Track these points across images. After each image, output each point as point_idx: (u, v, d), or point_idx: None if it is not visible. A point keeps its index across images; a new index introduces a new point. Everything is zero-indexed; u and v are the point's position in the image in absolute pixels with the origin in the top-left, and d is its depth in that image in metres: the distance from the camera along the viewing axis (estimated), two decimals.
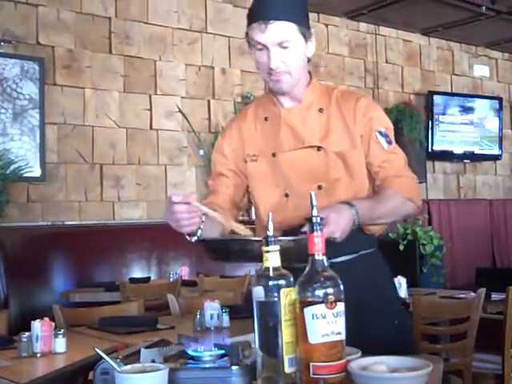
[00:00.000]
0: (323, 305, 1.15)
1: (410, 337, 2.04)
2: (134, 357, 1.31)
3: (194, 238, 1.66)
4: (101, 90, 5.31)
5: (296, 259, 1.29)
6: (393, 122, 2.00)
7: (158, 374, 1.15)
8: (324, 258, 1.21)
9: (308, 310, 1.15)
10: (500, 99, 7.82)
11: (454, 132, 7.33)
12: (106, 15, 5.38)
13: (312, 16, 6.59)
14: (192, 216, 1.59)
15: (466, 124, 7.41)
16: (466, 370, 3.01)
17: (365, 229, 1.83)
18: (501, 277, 5.79)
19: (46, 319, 2.24)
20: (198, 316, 2.63)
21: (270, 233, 1.24)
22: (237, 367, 1.24)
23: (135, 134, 5.47)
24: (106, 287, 4.34)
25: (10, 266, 4.56)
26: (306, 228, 1.50)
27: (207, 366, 1.28)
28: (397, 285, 3.19)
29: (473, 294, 3.32)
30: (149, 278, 4.85)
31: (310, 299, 1.16)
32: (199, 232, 1.64)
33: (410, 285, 3.93)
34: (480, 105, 7.58)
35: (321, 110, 1.88)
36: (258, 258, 1.28)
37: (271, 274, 1.22)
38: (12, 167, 4.73)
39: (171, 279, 4.60)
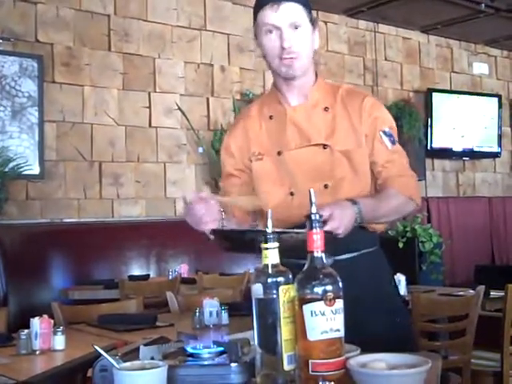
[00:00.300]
0: (322, 302, 1.15)
1: (411, 334, 2.04)
2: (133, 354, 1.31)
3: (206, 228, 1.68)
4: (100, 87, 5.31)
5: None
6: None
7: (156, 371, 1.15)
8: (323, 255, 1.21)
9: (307, 307, 1.15)
10: (499, 97, 7.82)
11: (453, 130, 7.33)
12: (105, 12, 5.38)
13: None
14: (212, 212, 1.61)
15: (465, 121, 7.40)
16: (464, 368, 3.02)
17: (368, 226, 1.84)
18: (500, 274, 5.80)
19: (45, 316, 2.24)
20: (197, 313, 2.63)
21: (269, 230, 1.24)
22: (236, 364, 1.24)
23: (134, 132, 5.47)
24: (105, 285, 4.34)
25: (8, 263, 4.56)
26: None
27: (206, 363, 1.28)
28: (396, 282, 3.19)
29: (472, 291, 3.32)
30: (148, 275, 4.85)
31: (308, 296, 1.16)
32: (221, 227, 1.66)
33: (409, 282, 3.93)
34: (479, 102, 7.58)
35: (326, 109, 1.88)
36: None
37: (270, 271, 1.22)
38: (11, 165, 4.73)
39: (170, 277, 4.61)
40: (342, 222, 1.60)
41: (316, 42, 1.87)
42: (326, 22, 6.63)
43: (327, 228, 1.56)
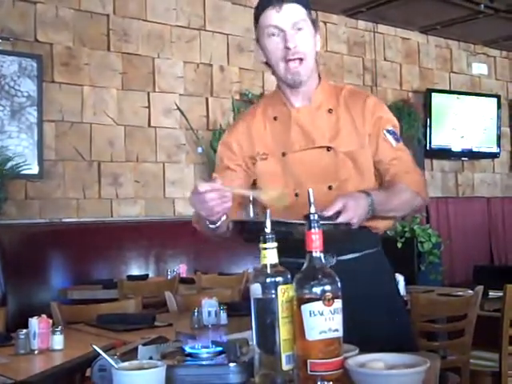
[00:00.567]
0: (321, 302, 1.15)
1: (411, 334, 2.05)
2: (131, 354, 1.31)
3: (217, 224, 1.68)
4: (99, 87, 5.31)
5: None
6: None
7: (155, 370, 1.15)
8: (322, 255, 1.21)
9: (305, 307, 1.15)
10: (498, 97, 7.82)
11: (452, 130, 7.33)
12: (104, 12, 5.38)
13: None
14: (224, 201, 1.59)
15: (464, 122, 7.41)
16: (463, 368, 3.02)
17: (372, 227, 1.85)
18: (498, 274, 5.81)
19: (44, 316, 2.24)
20: (195, 313, 2.63)
21: (268, 230, 1.24)
22: (234, 364, 1.25)
23: (133, 132, 5.47)
24: (103, 284, 4.34)
25: (7, 263, 4.56)
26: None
27: (205, 363, 1.29)
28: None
29: (470, 291, 3.32)
30: (147, 275, 4.85)
31: (307, 296, 1.16)
32: (223, 217, 1.66)
33: (407, 282, 3.93)
34: (478, 103, 7.58)
35: (330, 111, 1.89)
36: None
37: (269, 271, 1.22)
38: (10, 164, 4.73)
39: (169, 276, 4.61)
40: (356, 212, 1.62)
41: (318, 44, 1.87)
42: (325, 22, 6.63)
43: (341, 219, 1.59)
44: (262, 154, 1.91)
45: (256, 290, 1.21)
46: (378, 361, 1.18)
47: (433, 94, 7.20)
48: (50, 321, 2.26)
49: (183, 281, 4.37)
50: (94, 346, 1.24)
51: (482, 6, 6.40)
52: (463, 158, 7.64)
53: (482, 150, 7.62)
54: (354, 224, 1.62)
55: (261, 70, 6.10)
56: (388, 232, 5.93)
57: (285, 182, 1.87)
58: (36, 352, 2.15)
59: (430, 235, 6.10)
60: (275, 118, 1.93)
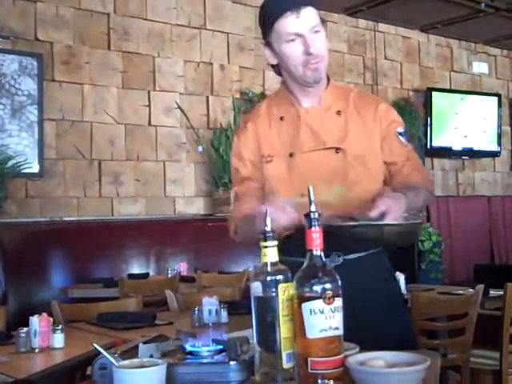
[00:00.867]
0: (321, 300, 1.15)
1: (412, 333, 2.04)
2: (132, 352, 1.31)
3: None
4: (99, 86, 5.31)
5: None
6: None
7: (155, 369, 1.15)
8: (322, 253, 1.21)
9: (306, 306, 1.15)
10: (499, 96, 7.82)
11: (453, 129, 7.33)
12: (104, 11, 5.37)
13: None
14: (289, 214, 1.62)
15: (464, 121, 7.40)
16: (463, 366, 3.02)
17: None
18: (499, 273, 5.81)
19: (44, 315, 2.24)
20: (196, 312, 2.64)
21: (268, 228, 1.24)
22: (235, 362, 1.25)
23: (134, 130, 5.47)
24: (104, 283, 4.34)
25: (8, 261, 4.56)
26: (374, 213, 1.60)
27: (205, 361, 1.29)
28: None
29: (471, 290, 3.32)
30: (147, 273, 4.85)
31: (307, 294, 1.16)
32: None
33: (408, 281, 3.93)
34: (479, 101, 7.58)
35: (339, 113, 1.89)
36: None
37: (269, 269, 1.22)
38: (10, 163, 4.73)
39: (169, 275, 4.61)
40: (398, 213, 1.63)
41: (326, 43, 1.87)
42: (325, 21, 6.61)
43: (388, 220, 1.60)
44: (268, 156, 1.89)
45: (256, 288, 1.22)
46: (378, 359, 1.18)
47: (433, 93, 7.19)
48: (51, 319, 2.26)
49: (184, 279, 4.37)
50: (95, 345, 1.24)
51: (483, 4, 6.39)
52: (464, 157, 7.64)
53: (482, 149, 7.62)
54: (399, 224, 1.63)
55: (261, 68, 6.10)
56: None
57: (291, 183, 1.85)
58: (37, 350, 2.15)
59: (430, 234, 6.10)
60: (282, 118, 1.91)
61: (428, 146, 7.09)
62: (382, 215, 1.61)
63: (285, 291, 1.20)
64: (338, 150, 1.84)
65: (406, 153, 1.93)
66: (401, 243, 1.69)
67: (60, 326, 2.23)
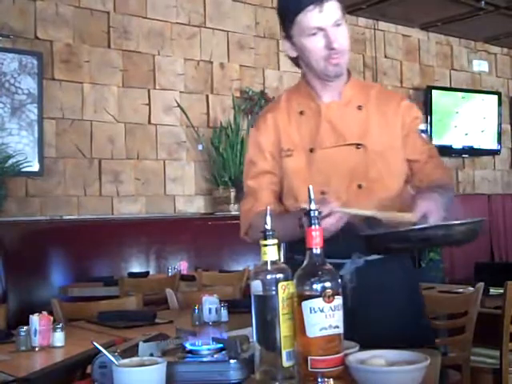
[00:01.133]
0: (321, 298, 1.15)
1: (432, 336, 1.99)
2: (132, 351, 1.31)
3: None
4: (99, 84, 5.30)
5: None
6: None
7: (156, 367, 1.15)
8: (322, 251, 1.21)
9: (306, 304, 1.15)
10: (499, 94, 7.82)
11: (453, 127, 7.33)
12: (104, 9, 5.37)
13: None
14: (341, 220, 1.58)
15: (464, 119, 7.40)
16: (464, 365, 3.02)
17: None
18: (499, 271, 5.80)
19: (45, 313, 2.24)
20: (196, 310, 2.64)
21: (268, 227, 1.24)
22: (235, 361, 1.25)
23: (134, 129, 5.47)
24: (104, 282, 4.34)
25: (8, 260, 4.56)
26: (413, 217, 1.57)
27: (205, 359, 1.29)
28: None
29: (471, 288, 3.32)
30: (147, 272, 4.85)
31: (307, 293, 1.16)
32: None
33: None
34: (479, 100, 7.57)
35: (360, 107, 1.85)
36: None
37: (269, 267, 1.22)
38: (10, 162, 4.73)
39: (170, 274, 4.60)
40: (439, 214, 1.60)
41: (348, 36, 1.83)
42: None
43: (432, 221, 1.58)
44: (287, 150, 1.85)
45: (256, 286, 1.22)
46: (378, 357, 1.18)
47: (433, 92, 7.19)
48: (51, 318, 2.26)
49: (184, 278, 4.37)
50: (95, 343, 1.24)
51: (483, 2, 6.39)
52: (464, 155, 7.63)
53: (482, 147, 7.61)
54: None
55: (261, 66, 6.09)
56: None
57: (311, 179, 1.78)
58: (37, 349, 2.15)
59: None
60: (301, 113, 1.86)
61: None
62: (423, 217, 1.58)
63: (285, 290, 1.20)
64: (358, 145, 1.80)
65: (429, 150, 1.91)
66: (466, 241, 1.66)
67: (60, 325, 2.24)
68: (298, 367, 1.19)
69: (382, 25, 7.12)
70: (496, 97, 7.73)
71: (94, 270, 4.90)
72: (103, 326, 2.61)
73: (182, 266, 4.88)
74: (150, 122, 5.56)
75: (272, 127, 1.88)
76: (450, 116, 7.30)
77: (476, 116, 7.50)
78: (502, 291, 3.08)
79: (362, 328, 1.50)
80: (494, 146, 7.67)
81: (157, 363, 1.16)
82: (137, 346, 1.33)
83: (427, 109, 7.11)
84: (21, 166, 4.78)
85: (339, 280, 1.19)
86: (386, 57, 7.17)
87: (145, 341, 1.36)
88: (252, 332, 1.23)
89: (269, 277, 1.21)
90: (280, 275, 1.21)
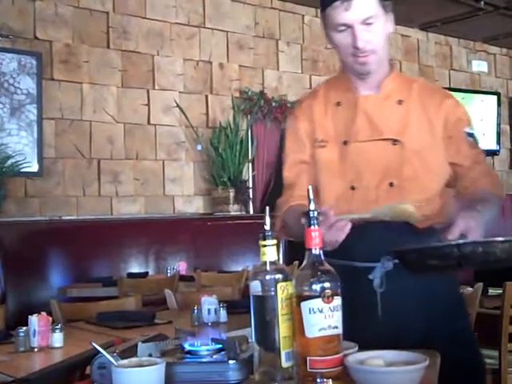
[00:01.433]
0: (320, 299, 1.15)
1: (474, 339, 1.87)
2: (131, 351, 1.31)
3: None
4: (98, 84, 5.30)
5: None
6: None
7: (154, 368, 1.15)
8: (321, 252, 1.20)
9: (305, 304, 1.15)
10: (498, 94, 7.82)
11: None
12: (103, 10, 5.37)
13: (310, 11, 6.62)
14: (343, 231, 1.49)
15: None
16: None
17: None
18: (498, 272, 5.79)
19: (44, 314, 2.24)
20: (195, 311, 2.63)
21: (267, 227, 1.23)
22: (234, 361, 1.24)
23: (133, 129, 5.47)
24: (103, 282, 4.34)
25: (7, 261, 4.56)
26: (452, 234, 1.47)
27: (204, 360, 1.28)
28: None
29: (470, 288, 3.32)
30: (146, 273, 4.85)
31: (306, 293, 1.16)
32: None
33: None
34: (478, 100, 7.58)
35: (400, 102, 1.76)
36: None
37: (268, 268, 1.21)
38: (9, 162, 4.73)
39: (169, 274, 4.60)
40: (478, 232, 1.49)
41: (390, 25, 1.73)
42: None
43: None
44: (321, 141, 1.77)
45: (255, 287, 1.21)
46: (377, 358, 1.18)
47: None
48: (50, 318, 2.26)
49: (183, 278, 4.37)
50: (94, 344, 1.24)
51: (482, 2, 6.39)
52: None
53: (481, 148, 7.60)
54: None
55: (260, 67, 6.09)
56: None
57: (342, 172, 1.73)
58: (36, 350, 2.15)
59: None
60: (338, 104, 1.79)
61: None
62: (462, 236, 1.47)
63: (284, 290, 1.19)
64: (395, 141, 1.71)
65: (474, 155, 1.77)
66: (510, 261, 1.51)
67: (59, 326, 2.23)
68: (297, 368, 1.19)
69: None
70: (495, 97, 7.73)
71: (93, 271, 4.90)
72: (102, 327, 2.61)
73: (181, 266, 4.88)
74: (149, 122, 5.56)
75: (308, 116, 1.81)
76: None
77: (475, 116, 7.50)
78: (500, 291, 3.08)
79: (392, 337, 1.45)
80: (493, 146, 7.67)
81: (156, 364, 1.16)
82: (136, 346, 1.33)
83: None
84: (20, 167, 4.79)
85: (338, 281, 1.18)
86: None
87: (144, 341, 1.36)
88: (251, 332, 1.23)
89: (268, 277, 1.21)
90: (279, 276, 1.21)
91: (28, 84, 4.95)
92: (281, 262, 1.27)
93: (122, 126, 5.42)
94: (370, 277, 1.63)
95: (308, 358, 1.15)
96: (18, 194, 4.89)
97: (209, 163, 5.76)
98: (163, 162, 5.62)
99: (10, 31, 4.92)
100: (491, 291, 3.70)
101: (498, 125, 7.69)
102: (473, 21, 6.94)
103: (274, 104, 6.02)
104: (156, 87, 5.60)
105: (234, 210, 5.64)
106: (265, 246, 1.22)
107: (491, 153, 7.76)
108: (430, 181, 1.73)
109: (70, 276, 4.79)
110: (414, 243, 1.56)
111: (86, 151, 5.23)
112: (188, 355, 1.30)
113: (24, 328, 2.16)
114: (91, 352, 1.29)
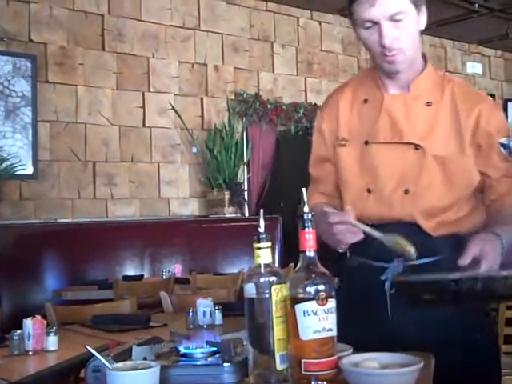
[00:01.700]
0: (314, 301, 1.15)
1: (494, 350, 1.75)
2: (125, 354, 1.31)
3: (343, 251, 1.55)
4: (93, 87, 5.30)
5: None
6: None
7: (149, 371, 1.14)
8: (315, 254, 1.20)
9: (299, 307, 1.15)
10: (493, 96, 7.84)
11: None
12: (98, 12, 5.37)
13: (305, 13, 6.63)
14: (353, 236, 1.48)
15: None
16: None
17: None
18: None
19: (38, 317, 2.23)
20: (190, 313, 2.63)
21: (262, 229, 1.23)
22: (228, 364, 1.24)
23: (128, 132, 5.46)
24: (98, 285, 4.33)
25: (2, 263, 4.54)
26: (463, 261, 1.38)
27: (199, 363, 1.28)
28: None
29: None
30: (142, 275, 4.84)
31: (301, 296, 1.16)
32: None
33: None
34: None
35: (429, 104, 1.66)
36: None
37: (262, 270, 1.21)
38: (4, 165, 4.72)
39: (164, 277, 4.60)
40: (496, 260, 1.41)
41: (422, 22, 1.66)
42: (320, 22, 6.63)
43: (484, 268, 1.37)
44: (342, 140, 1.72)
45: (250, 289, 1.21)
46: (371, 360, 1.18)
47: None
48: (45, 322, 2.24)
49: (178, 281, 4.36)
50: (88, 347, 1.24)
51: (477, 5, 6.41)
52: None
53: None
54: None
55: (256, 69, 6.10)
56: None
57: (360, 173, 1.68)
58: (30, 353, 2.14)
59: None
60: (365, 101, 1.72)
61: None
62: (474, 262, 1.38)
63: (278, 292, 1.19)
64: (417, 146, 1.62)
65: (506, 168, 1.65)
66: None
67: (54, 329, 2.22)
68: (291, 370, 1.18)
69: None
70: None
71: (88, 274, 4.89)
72: (97, 330, 2.60)
73: (177, 268, 4.88)
74: (144, 124, 5.55)
75: (333, 113, 1.76)
76: None
77: None
78: None
79: (400, 341, 1.41)
80: None
81: (150, 367, 1.16)
82: (130, 349, 1.33)
83: None
84: (15, 169, 4.78)
85: (332, 283, 1.18)
86: None
87: (138, 344, 1.36)
88: (246, 335, 1.23)
89: (262, 280, 1.21)
90: (273, 278, 1.21)
91: (23, 87, 4.94)
92: (276, 264, 1.27)
93: (117, 128, 5.41)
94: (382, 277, 1.61)
95: (302, 361, 1.15)
96: (12, 197, 4.88)
97: (204, 165, 5.76)
98: (158, 165, 5.62)
99: (4, 34, 4.92)
100: None
101: None
102: (467, 23, 6.96)
103: (269, 106, 6.02)
104: (151, 89, 5.60)
105: (229, 212, 5.64)
106: (259, 248, 1.22)
107: None
108: (449, 189, 1.63)
109: (65, 279, 4.78)
110: (428, 249, 1.54)
111: (81, 154, 5.22)
112: (183, 358, 1.30)
113: (18, 331, 2.15)
114: (86, 355, 1.28)
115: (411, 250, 1.45)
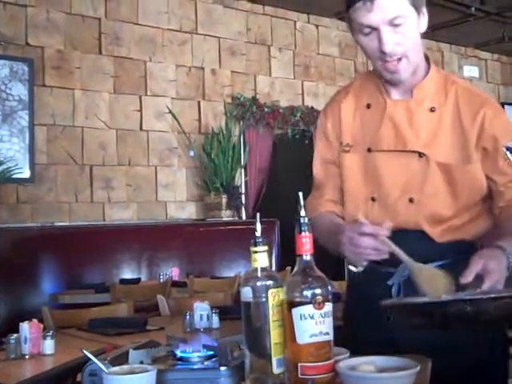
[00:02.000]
0: (311, 305, 1.15)
1: (502, 358, 1.71)
2: (122, 358, 1.30)
3: (358, 269, 1.50)
4: (91, 91, 5.30)
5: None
6: None
7: (146, 375, 1.14)
8: (312, 258, 1.20)
9: (296, 311, 1.15)
10: None
11: None
12: (95, 16, 5.37)
13: (302, 17, 6.64)
14: (378, 253, 1.41)
15: None
16: None
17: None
18: None
19: (35, 321, 2.23)
20: (187, 317, 2.63)
21: (258, 233, 1.23)
22: (225, 368, 1.24)
23: (125, 135, 5.46)
24: (96, 288, 4.32)
25: None
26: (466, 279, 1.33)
27: (196, 367, 1.28)
28: None
29: None
30: (139, 279, 4.84)
31: (297, 299, 1.16)
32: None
33: None
34: None
35: (432, 109, 1.61)
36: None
37: (259, 274, 1.21)
38: (1, 168, 4.71)
39: (161, 280, 4.60)
40: (501, 276, 1.36)
41: (423, 25, 1.62)
42: (317, 26, 6.64)
43: (488, 285, 1.33)
44: (346, 145, 1.68)
45: (247, 293, 1.21)
46: (368, 364, 1.18)
47: None
48: (41, 325, 2.25)
49: (175, 284, 4.36)
50: (84, 351, 1.24)
51: (473, 8, 6.42)
52: None
53: None
54: (499, 288, 1.33)
55: (253, 73, 6.10)
56: None
57: (364, 181, 1.65)
58: (27, 357, 2.14)
59: None
60: (368, 106, 1.68)
61: None
62: (478, 279, 1.33)
63: (275, 296, 1.19)
64: (421, 155, 1.59)
65: None
66: (506, 320, 1.41)
67: (50, 333, 2.23)
68: (288, 374, 1.18)
69: None
70: None
71: (85, 277, 4.89)
72: (94, 334, 2.60)
73: (174, 272, 4.87)
74: (141, 128, 5.55)
75: (336, 116, 1.71)
76: None
77: None
78: None
79: (400, 343, 1.41)
80: None
81: (147, 371, 1.15)
82: (127, 353, 1.33)
83: None
84: (12, 173, 4.77)
85: (329, 287, 1.18)
86: None
87: (135, 348, 1.35)
88: (243, 339, 1.23)
89: (259, 283, 1.20)
90: (270, 282, 1.20)
91: (20, 90, 4.94)
92: (273, 268, 1.27)
93: (115, 132, 5.41)
94: (389, 283, 1.59)
95: (299, 364, 1.15)
96: (9, 201, 4.87)
97: (201, 169, 5.76)
98: (155, 168, 5.62)
99: (1, 37, 4.91)
100: None
101: None
102: (464, 27, 6.97)
103: (266, 110, 6.03)
104: (148, 93, 5.60)
105: (226, 215, 5.64)
106: (256, 252, 1.22)
107: None
108: (454, 198, 1.60)
109: (61, 282, 4.77)
110: (434, 254, 1.52)
111: (79, 157, 5.22)
112: (179, 362, 1.30)
113: (15, 335, 2.16)
114: (82, 359, 1.28)
115: (442, 288, 1.36)
